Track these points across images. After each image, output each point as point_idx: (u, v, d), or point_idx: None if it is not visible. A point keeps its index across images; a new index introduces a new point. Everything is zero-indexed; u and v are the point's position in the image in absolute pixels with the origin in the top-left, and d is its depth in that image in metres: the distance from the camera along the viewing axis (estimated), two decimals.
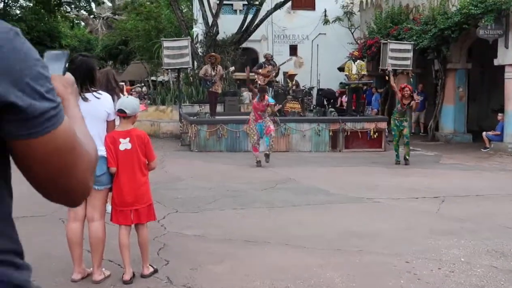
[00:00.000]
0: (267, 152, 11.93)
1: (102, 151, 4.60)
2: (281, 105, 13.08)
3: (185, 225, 6.86)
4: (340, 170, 11.85)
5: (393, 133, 12.40)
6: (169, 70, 17.51)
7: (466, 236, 6.50)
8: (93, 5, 39.43)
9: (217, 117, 15.25)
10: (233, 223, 7.01)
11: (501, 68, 14.76)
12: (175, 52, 14.70)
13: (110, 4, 46.68)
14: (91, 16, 45.43)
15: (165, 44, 14.98)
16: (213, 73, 14.91)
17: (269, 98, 12.17)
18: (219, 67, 15.27)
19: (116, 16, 41.57)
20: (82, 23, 48.35)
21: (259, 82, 15.09)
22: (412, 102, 12.14)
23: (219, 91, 15.27)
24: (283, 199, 8.50)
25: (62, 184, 1.09)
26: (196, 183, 9.87)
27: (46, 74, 1.05)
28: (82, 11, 44.18)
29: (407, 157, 12.41)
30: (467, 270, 5.29)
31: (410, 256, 5.67)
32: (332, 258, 5.63)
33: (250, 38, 22.60)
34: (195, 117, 15.23)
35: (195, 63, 19.82)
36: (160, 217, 7.06)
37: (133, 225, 4.88)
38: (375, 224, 7.07)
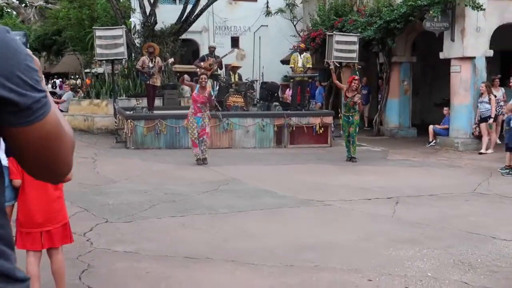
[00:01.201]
0: (203, 156, 11.07)
1: (3, 160, 3.63)
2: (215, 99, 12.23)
3: (115, 238, 5.94)
4: (287, 168, 11.13)
5: (343, 128, 11.82)
6: (104, 62, 16.28)
7: (428, 244, 5.91)
8: None
9: (155, 112, 14.22)
10: (171, 235, 6.14)
11: (447, 61, 14.44)
12: (109, 42, 13.52)
13: None
14: (23, 5, 43.01)
15: (98, 33, 13.75)
16: (150, 65, 13.86)
17: (210, 90, 11.28)
18: (158, 58, 14.24)
19: (50, 5, 39.42)
20: (14, 12, 45.73)
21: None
22: (356, 99, 11.55)
23: (158, 84, 14.22)
24: (226, 204, 7.68)
25: (50, 165, 1.20)
26: (130, 186, 8.90)
27: (34, 67, 1.14)
28: None
29: (353, 155, 11.85)
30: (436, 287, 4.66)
31: (372, 272, 4.99)
32: (285, 277, 4.87)
33: (190, 30, 21.59)
34: (131, 112, 14.16)
35: (132, 54, 18.67)
36: (86, 229, 6.15)
37: (44, 250, 3.95)
38: (329, 232, 6.37)
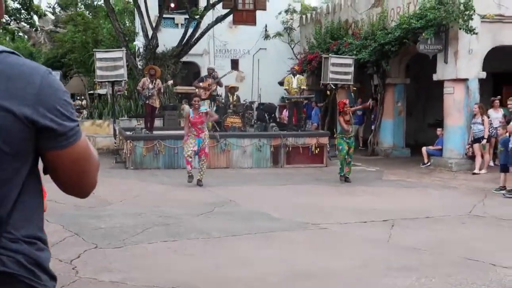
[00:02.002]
0: (199, 177, 10.57)
1: None
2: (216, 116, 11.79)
3: (103, 266, 5.46)
4: (283, 189, 10.67)
5: (340, 147, 11.27)
6: (106, 83, 15.86)
7: (425, 271, 5.42)
8: (35, 17, 36.94)
9: (154, 132, 13.79)
10: (161, 262, 5.66)
11: (440, 83, 14.05)
12: (109, 64, 13.12)
13: (53, 17, 44.10)
14: (33, 29, 42.79)
15: (98, 55, 13.37)
16: (150, 86, 13.48)
17: (201, 107, 10.73)
18: (158, 80, 13.85)
19: (59, 29, 39.20)
20: (26, 36, 45.53)
21: (201, 96, 13.82)
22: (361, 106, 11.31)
23: (156, 105, 13.81)
24: (221, 227, 7.21)
25: (80, 183, 1.40)
26: (125, 208, 8.44)
27: (70, 101, 1.35)
28: (23, 24, 41.61)
29: (347, 175, 11.36)
30: None
31: None
32: None
33: (192, 52, 21.27)
34: (131, 133, 13.72)
35: (136, 76, 18.29)
36: (74, 256, 5.68)
37: None
38: (324, 259, 5.89)
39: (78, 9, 32.88)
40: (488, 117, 12.78)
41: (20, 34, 44.18)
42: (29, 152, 1.30)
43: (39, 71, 1.28)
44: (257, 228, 7.21)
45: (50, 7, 39.36)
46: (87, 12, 29.88)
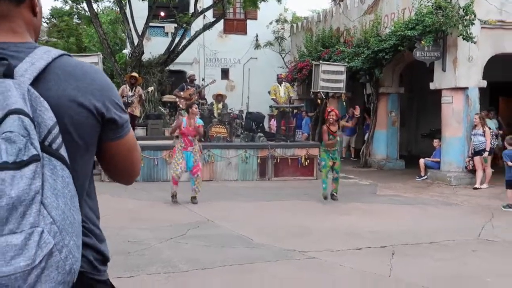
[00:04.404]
0: (194, 195, 9.17)
1: None
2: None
3: None
4: (268, 206, 9.27)
5: (323, 163, 9.59)
6: None
7: None
8: None
9: None
10: None
11: (433, 92, 12.76)
12: None
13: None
14: None
15: None
16: (130, 94, 12.12)
17: (197, 119, 9.35)
18: (138, 87, 12.50)
19: (53, 39, 37.90)
20: None
21: (180, 105, 12.48)
22: (345, 124, 9.76)
23: (137, 113, 12.46)
24: (190, 257, 5.81)
25: (130, 170, 1.45)
26: None
27: (119, 95, 1.39)
28: None
29: (334, 193, 9.73)
30: None
31: None
32: None
33: (181, 61, 20.03)
34: None
35: (120, 84, 16.92)
36: None
37: None
38: None
39: (72, 18, 31.62)
40: (490, 129, 11.49)
41: None
42: (95, 144, 1.32)
43: (96, 69, 1.33)
44: (234, 258, 5.82)
45: (44, 18, 38.04)
46: (78, 20, 28.60)
